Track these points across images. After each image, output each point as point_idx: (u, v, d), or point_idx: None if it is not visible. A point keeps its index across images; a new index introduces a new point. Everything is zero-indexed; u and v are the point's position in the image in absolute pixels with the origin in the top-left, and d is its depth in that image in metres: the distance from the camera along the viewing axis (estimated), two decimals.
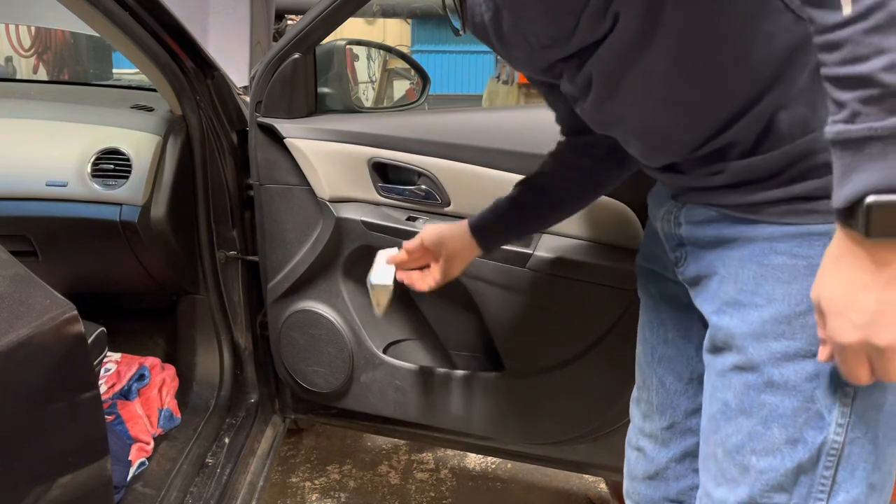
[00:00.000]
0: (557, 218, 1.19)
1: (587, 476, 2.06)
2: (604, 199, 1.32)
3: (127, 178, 1.58)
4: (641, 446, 1.05)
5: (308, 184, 1.50)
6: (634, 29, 0.72)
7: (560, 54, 0.81)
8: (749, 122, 0.74)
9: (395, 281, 1.18)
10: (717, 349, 0.81)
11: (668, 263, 0.94)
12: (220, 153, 1.61)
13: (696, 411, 0.97)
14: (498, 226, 1.15)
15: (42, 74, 7.16)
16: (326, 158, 1.47)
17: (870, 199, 0.56)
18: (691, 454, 1.00)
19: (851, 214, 0.58)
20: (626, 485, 1.09)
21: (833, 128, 0.59)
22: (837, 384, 0.71)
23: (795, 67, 0.72)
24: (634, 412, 1.08)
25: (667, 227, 0.90)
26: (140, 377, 1.68)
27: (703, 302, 0.84)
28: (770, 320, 0.74)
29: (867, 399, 0.71)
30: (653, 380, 1.02)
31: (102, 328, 1.28)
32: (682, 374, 0.99)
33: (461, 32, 0.87)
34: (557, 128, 1.10)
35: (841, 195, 0.58)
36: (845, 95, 0.57)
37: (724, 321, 0.79)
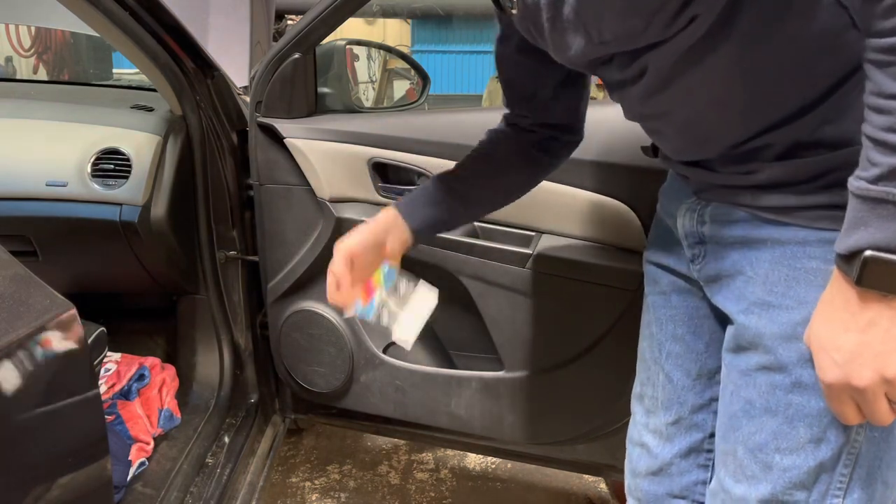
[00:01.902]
0: (480, 206, 1.13)
1: (587, 476, 2.06)
2: (604, 198, 1.32)
3: (127, 178, 1.58)
4: (645, 442, 1.05)
5: (308, 184, 1.50)
6: (705, 31, 0.71)
7: (618, 49, 0.78)
8: (795, 128, 0.74)
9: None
10: (741, 348, 0.82)
11: (681, 259, 0.94)
12: (220, 153, 1.61)
13: (703, 407, 0.99)
14: (427, 208, 1.06)
15: (42, 74, 7.16)
16: (326, 158, 1.47)
17: (868, 252, 0.61)
18: (696, 450, 1.00)
19: (849, 261, 0.63)
20: (629, 481, 1.08)
21: (856, 182, 0.63)
22: None
23: (852, 84, 0.72)
24: (637, 408, 1.08)
25: (688, 223, 0.90)
26: (140, 377, 1.68)
27: (726, 300, 0.84)
28: (801, 322, 0.74)
29: None
30: (659, 376, 1.02)
31: (102, 328, 1.28)
32: (691, 371, 0.99)
33: (513, 11, 0.83)
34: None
35: (845, 243, 0.63)
36: (878, 158, 0.61)
37: (751, 321, 0.79)
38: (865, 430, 0.74)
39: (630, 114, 0.90)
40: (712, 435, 0.98)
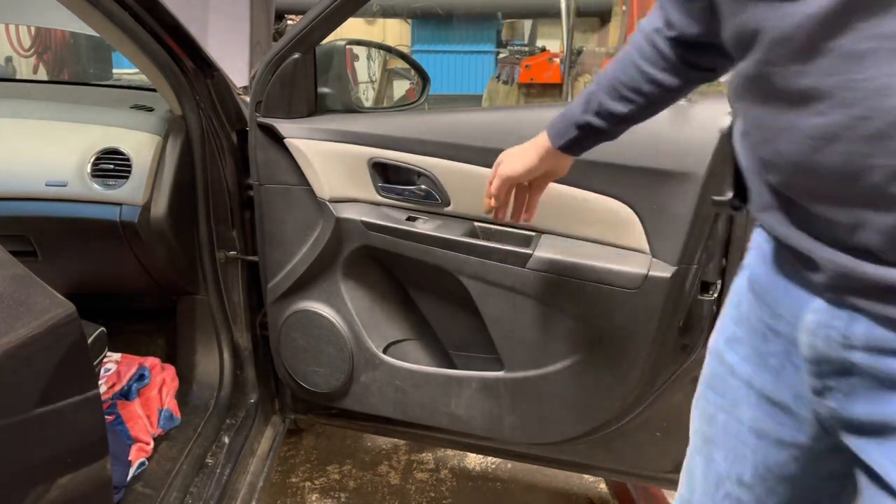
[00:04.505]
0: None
1: (587, 476, 2.06)
2: (604, 198, 1.32)
3: (127, 178, 1.58)
4: None
5: (308, 184, 1.50)
6: None
7: None
8: None
9: None
10: None
11: (792, 384, 0.68)
12: (220, 153, 1.61)
13: None
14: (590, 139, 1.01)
15: (42, 74, 7.16)
16: (326, 158, 1.47)
17: None
18: None
19: None
20: None
21: None
22: None
23: None
24: None
25: (821, 344, 0.62)
26: (140, 377, 1.68)
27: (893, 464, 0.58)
28: None
29: None
30: None
31: (102, 328, 1.28)
32: None
33: None
34: None
35: None
36: None
37: None
38: None
39: (775, 95, 0.58)
40: None
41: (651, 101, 0.92)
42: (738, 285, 0.78)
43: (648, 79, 0.89)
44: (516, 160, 1.06)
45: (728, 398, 0.76)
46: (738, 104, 0.66)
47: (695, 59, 0.86)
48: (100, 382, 1.60)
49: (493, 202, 1.10)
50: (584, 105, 0.97)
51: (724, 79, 0.86)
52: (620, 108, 0.93)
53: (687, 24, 0.83)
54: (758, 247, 0.74)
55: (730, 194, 0.75)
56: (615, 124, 0.96)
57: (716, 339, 0.80)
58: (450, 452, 2.19)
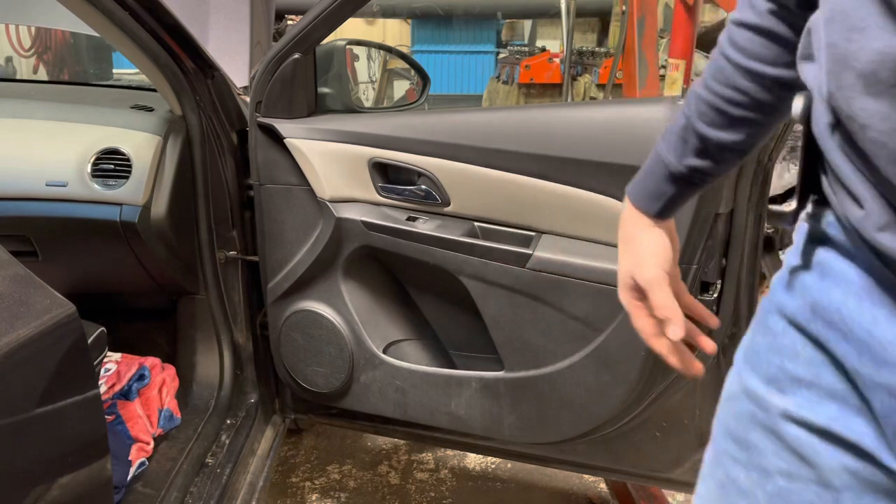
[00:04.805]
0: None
1: (587, 476, 2.06)
2: (604, 198, 1.32)
3: (127, 178, 1.58)
4: None
5: (308, 184, 1.50)
6: None
7: None
8: None
9: None
10: None
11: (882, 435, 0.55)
12: (220, 153, 1.61)
13: None
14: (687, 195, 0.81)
15: (42, 74, 7.15)
16: (326, 158, 1.47)
17: None
18: None
19: None
20: None
21: None
22: None
23: None
24: None
25: None
26: (140, 377, 1.68)
27: None
28: None
29: None
30: None
31: (102, 328, 1.28)
32: None
33: None
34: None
35: None
36: None
37: None
38: None
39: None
40: None
41: (772, 112, 0.72)
42: (790, 310, 0.62)
43: (768, 81, 0.70)
44: (644, 259, 0.80)
45: (788, 456, 0.60)
46: (872, 90, 0.50)
47: None
48: (100, 382, 1.60)
49: (672, 326, 0.75)
50: (679, 146, 0.77)
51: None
52: (733, 135, 0.73)
53: None
54: (829, 271, 0.59)
55: (792, 204, 0.64)
56: (725, 161, 0.76)
57: (773, 399, 0.62)
58: (450, 452, 2.19)
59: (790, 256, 0.65)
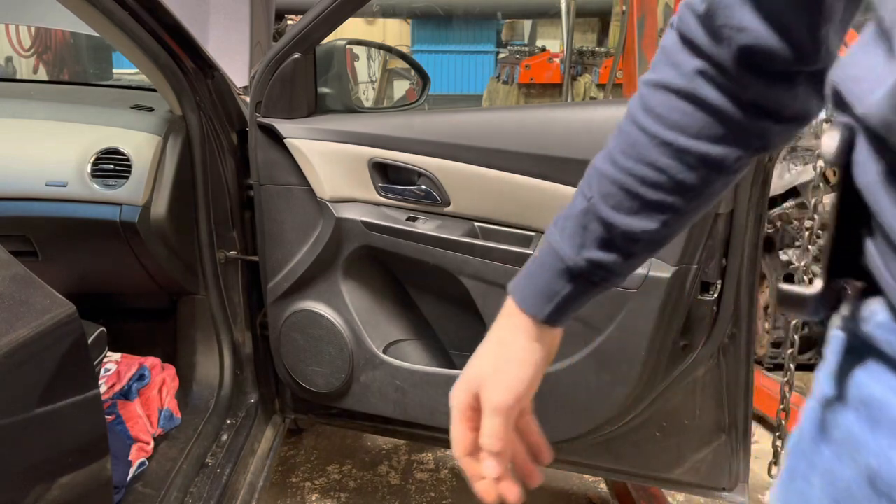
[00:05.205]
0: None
1: (587, 476, 2.06)
2: None
3: (127, 178, 1.58)
4: None
5: (308, 184, 1.50)
6: None
7: None
8: None
9: None
10: None
11: None
12: (220, 153, 1.61)
13: None
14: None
15: (42, 74, 7.16)
16: (326, 158, 1.47)
17: None
18: None
19: None
20: None
21: None
22: None
23: None
24: None
25: None
26: (140, 377, 1.68)
27: None
28: None
29: None
30: None
31: (102, 328, 1.28)
32: None
33: None
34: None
35: None
36: None
37: None
38: None
39: None
40: None
41: (694, 197, 0.57)
42: (835, 473, 0.43)
43: (691, 159, 0.55)
44: (503, 375, 0.68)
45: None
46: None
47: (776, 99, 0.53)
48: (100, 382, 1.60)
49: (489, 462, 0.63)
50: (577, 234, 0.61)
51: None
52: (645, 223, 0.58)
53: (783, 17, 0.48)
54: (882, 416, 0.40)
55: (818, 285, 0.44)
56: (633, 256, 0.62)
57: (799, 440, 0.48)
58: (450, 452, 2.19)
59: (822, 381, 0.46)
